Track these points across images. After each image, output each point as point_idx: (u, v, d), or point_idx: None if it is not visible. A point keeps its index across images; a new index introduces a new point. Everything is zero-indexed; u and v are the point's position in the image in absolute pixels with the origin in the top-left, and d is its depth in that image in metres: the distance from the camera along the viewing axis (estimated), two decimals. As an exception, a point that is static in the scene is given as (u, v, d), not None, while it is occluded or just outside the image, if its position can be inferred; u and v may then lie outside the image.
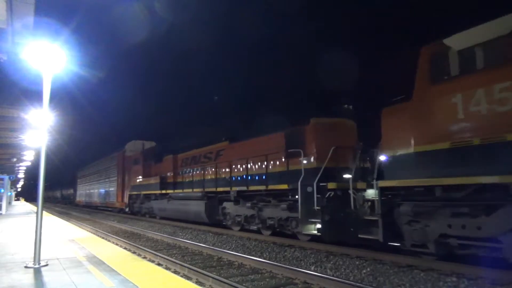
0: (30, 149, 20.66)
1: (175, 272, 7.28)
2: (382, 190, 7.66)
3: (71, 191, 51.80)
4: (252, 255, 8.82)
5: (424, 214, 7.08)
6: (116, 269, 5.78)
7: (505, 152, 5.70)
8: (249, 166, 12.68)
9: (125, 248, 10.24)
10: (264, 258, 8.49)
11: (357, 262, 7.59)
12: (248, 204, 12.17)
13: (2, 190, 26.92)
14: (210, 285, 6.43)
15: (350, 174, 8.98)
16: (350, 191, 8.64)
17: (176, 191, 17.59)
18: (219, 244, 11.09)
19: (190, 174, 16.69)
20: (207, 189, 14.75)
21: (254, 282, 6.65)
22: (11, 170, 30.78)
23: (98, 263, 6.36)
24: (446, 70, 6.81)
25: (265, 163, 11.73)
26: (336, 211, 8.86)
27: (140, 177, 22.37)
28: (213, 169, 14.65)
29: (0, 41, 6.26)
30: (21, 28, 5.96)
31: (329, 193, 9.22)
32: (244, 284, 6.33)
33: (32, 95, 10.34)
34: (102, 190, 32.36)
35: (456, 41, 6.71)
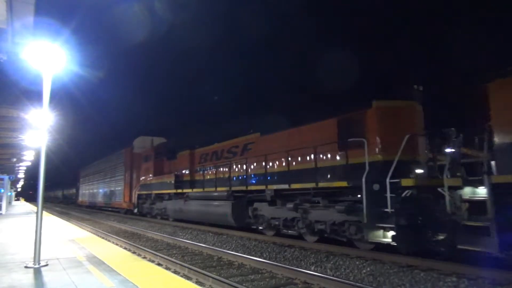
0: (30, 149, 20.66)
1: (175, 272, 7.28)
2: (494, 188, 6.20)
3: (73, 191, 50.28)
4: (252, 255, 8.82)
5: None
6: (116, 269, 5.78)
7: None
8: (289, 160, 10.66)
9: (125, 248, 10.24)
10: (264, 258, 8.49)
11: (357, 262, 7.59)
12: (290, 205, 10.22)
13: (2, 190, 26.92)
14: (210, 285, 6.44)
15: (421, 168, 7.66)
16: (444, 190, 6.90)
17: (194, 190, 15.73)
18: (219, 244, 11.09)
19: (212, 171, 14.82)
20: (234, 188, 13.01)
21: (254, 282, 6.65)
22: (11, 170, 30.78)
23: (98, 263, 6.36)
24: None
25: (313, 156, 9.64)
26: (414, 215, 7.34)
27: (151, 175, 20.52)
28: (242, 165, 12.98)
29: (0, 41, 6.26)
30: (21, 28, 5.96)
31: (406, 192, 7.53)
32: (244, 284, 6.33)
33: (32, 95, 10.34)
34: (107, 190, 30.62)
35: None
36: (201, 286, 5.75)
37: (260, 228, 12.12)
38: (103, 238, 12.24)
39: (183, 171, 17.25)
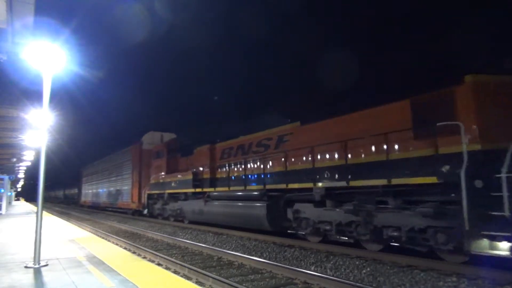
0: (30, 149, 20.67)
1: (175, 272, 7.28)
2: None
3: (75, 190, 48.18)
4: (252, 255, 8.82)
5: None
6: (116, 269, 5.78)
7: None
8: (346, 152, 8.83)
9: (125, 248, 10.25)
10: (264, 258, 8.49)
11: (357, 262, 7.59)
12: (348, 207, 8.51)
13: (2, 190, 26.93)
14: (210, 285, 6.44)
15: None
16: None
17: (217, 189, 14.01)
18: (219, 244, 11.09)
19: (239, 168, 13.14)
20: (269, 186, 11.27)
21: (254, 282, 6.65)
22: (11, 170, 30.79)
23: (98, 263, 6.36)
24: None
25: (384, 146, 7.87)
26: None
27: (164, 173, 18.71)
28: (278, 160, 11.20)
29: (0, 41, 6.26)
30: (21, 28, 5.96)
31: None
32: (244, 284, 6.33)
33: (32, 95, 10.34)
34: (113, 189, 28.56)
35: None
36: (201, 286, 5.75)
37: (302, 233, 10.50)
38: (103, 238, 12.24)
39: (202, 168, 15.39)
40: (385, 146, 7.85)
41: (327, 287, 6.14)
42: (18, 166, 31.91)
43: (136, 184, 23.34)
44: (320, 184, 9.39)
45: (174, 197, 17.69)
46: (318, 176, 9.56)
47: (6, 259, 6.80)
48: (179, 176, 16.95)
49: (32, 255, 6.25)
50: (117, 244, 10.88)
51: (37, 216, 6.35)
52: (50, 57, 6.34)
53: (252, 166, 12.47)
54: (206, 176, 15.02)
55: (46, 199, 71.17)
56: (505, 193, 5.75)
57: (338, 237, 9.42)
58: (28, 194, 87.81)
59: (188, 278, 6.68)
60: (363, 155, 8.58)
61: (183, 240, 11.81)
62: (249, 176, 12.48)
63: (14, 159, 25.01)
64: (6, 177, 27.59)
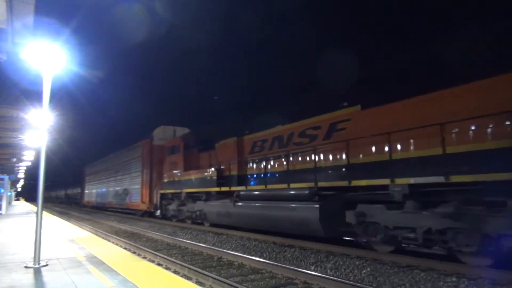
0: (30, 149, 20.68)
1: (175, 272, 7.28)
2: None
3: (78, 190, 45.83)
4: (252, 255, 8.82)
5: None
6: (116, 269, 5.78)
7: None
8: (443, 138, 6.90)
9: (125, 248, 10.24)
10: (264, 258, 8.49)
11: (357, 262, 7.59)
12: (446, 209, 6.76)
13: (2, 190, 26.95)
14: (210, 285, 6.44)
15: None
16: None
17: (250, 187, 12.26)
18: (219, 244, 11.09)
19: (278, 162, 11.35)
20: (322, 184, 9.44)
21: (254, 282, 6.65)
22: (11, 170, 30.82)
23: (98, 263, 6.36)
24: None
25: (502, 128, 6.17)
26: None
27: (180, 170, 16.96)
28: (335, 152, 9.41)
29: (0, 41, 6.27)
30: (21, 28, 5.96)
31: None
32: (244, 284, 6.33)
33: (32, 95, 10.35)
34: (120, 189, 26.44)
35: None
36: (201, 286, 5.75)
37: (365, 240, 8.63)
38: (103, 238, 12.24)
39: (228, 164, 13.63)
40: (509, 129, 5.97)
41: (327, 287, 6.14)
42: (18, 166, 31.93)
43: (146, 182, 21.53)
44: (401, 181, 7.47)
45: (192, 197, 15.97)
46: (396, 170, 7.65)
47: (6, 259, 6.80)
48: (199, 173, 15.27)
49: (32, 255, 6.25)
50: (117, 244, 10.88)
51: (37, 216, 6.35)
52: (50, 57, 6.35)
53: (296, 160, 10.59)
54: (233, 172, 13.17)
55: (46, 199, 71.31)
56: None
57: (425, 248, 7.74)
58: (28, 194, 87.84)
59: (188, 278, 6.68)
60: (467, 142, 6.63)
61: (183, 240, 11.81)
62: (292, 171, 10.58)
63: (14, 159, 25.03)
64: (6, 177, 27.62)
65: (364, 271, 7.02)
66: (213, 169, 14.25)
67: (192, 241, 11.64)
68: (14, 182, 44.23)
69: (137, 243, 11.76)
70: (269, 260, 8.25)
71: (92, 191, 36.63)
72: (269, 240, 10.90)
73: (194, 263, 8.27)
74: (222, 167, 13.99)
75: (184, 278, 6.05)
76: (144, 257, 9.06)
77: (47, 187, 65.04)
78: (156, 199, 19.70)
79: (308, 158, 10.21)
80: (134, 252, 9.91)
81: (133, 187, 23.58)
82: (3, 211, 25.02)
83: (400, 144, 7.82)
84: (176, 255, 9.63)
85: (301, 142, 10.64)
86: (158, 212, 19.54)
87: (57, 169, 63.01)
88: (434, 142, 7.05)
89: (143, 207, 21.67)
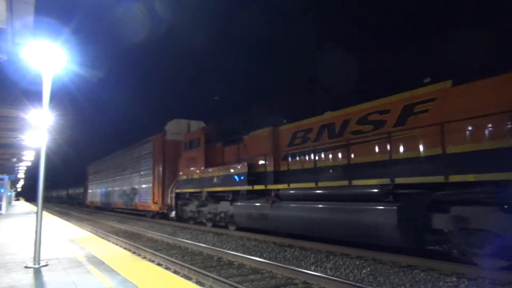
0: (30, 149, 20.71)
1: (175, 272, 7.28)
2: None
3: (80, 190, 43.87)
4: (252, 255, 8.81)
5: None
6: (116, 269, 5.78)
7: None
8: None
9: (125, 248, 10.24)
10: (264, 258, 8.48)
11: (357, 262, 7.59)
12: None
13: (2, 190, 26.97)
14: (210, 285, 6.43)
15: None
16: None
17: (294, 185, 10.24)
18: (219, 244, 11.08)
19: (331, 155, 9.57)
20: (403, 180, 7.49)
21: (254, 282, 6.65)
22: (11, 170, 30.85)
23: (98, 263, 6.36)
24: None
25: None
26: None
27: (200, 167, 15.23)
28: (422, 139, 7.61)
29: (0, 41, 6.27)
30: (21, 28, 5.97)
31: None
32: (244, 284, 6.33)
33: (32, 95, 10.37)
34: (128, 188, 24.66)
35: None
36: (201, 286, 5.75)
37: (463, 252, 6.76)
38: (103, 238, 12.24)
39: (260, 159, 11.88)
40: None
41: (327, 287, 6.14)
42: (18, 166, 31.95)
43: (158, 181, 19.77)
44: None
45: (215, 196, 14.23)
46: None
47: (6, 259, 6.80)
48: (224, 170, 13.49)
49: (32, 255, 6.25)
50: (117, 244, 10.88)
51: (37, 216, 6.35)
52: (50, 57, 6.36)
53: (358, 151, 8.80)
54: (269, 168, 11.40)
55: (47, 200, 71.15)
56: None
57: None
58: (28, 194, 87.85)
59: (188, 278, 6.68)
60: None
61: (183, 240, 11.80)
62: (357, 166, 8.74)
63: (14, 159, 25.06)
64: (6, 177, 27.66)
65: (364, 271, 7.01)
66: (244, 164, 12.40)
67: (192, 241, 11.64)
68: (14, 182, 44.27)
69: (137, 243, 11.76)
70: (269, 260, 8.25)
71: (96, 191, 34.90)
72: (269, 240, 10.90)
73: (194, 263, 8.27)
74: (256, 161, 12.08)
75: (184, 278, 6.05)
76: (144, 257, 9.06)
77: (47, 187, 64.93)
78: (170, 199, 17.90)
79: (377, 149, 8.36)
80: (134, 252, 9.91)
81: (143, 186, 21.88)
82: (3, 211, 25.03)
83: None
84: (176, 255, 9.62)
85: (362, 130, 8.83)
86: (173, 214, 17.89)
87: (58, 169, 62.92)
88: None
89: (155, 208, 19.91)
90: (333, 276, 6.73)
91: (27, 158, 25.21)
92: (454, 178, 6.62)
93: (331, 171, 9.54)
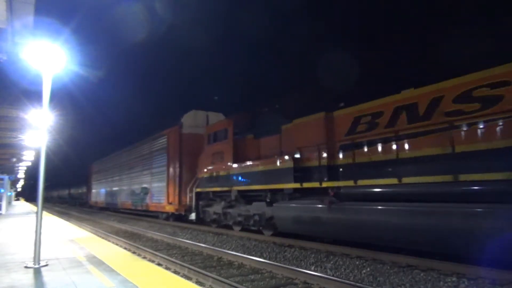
0: (30, 149, 20.71)
1: (175, 272, 7.28)
2: None
3: (83, 189, 41.41)
4: (252, 255, 8.81)
5: None
6: (116, 269, 5.78)
7: None
8: None
9: (125, 248, 10.24)
10: (264, 258, 8.49)
11: (357, 262, 7.59)
12: None
13: (2, 190, 26.98)
14: (210, 285, 6.43)
15: None
16: None
17: (364, 182, 8.30)
18: (219, 244, 11.08)
19: (417, 143, 7.44)
20: None
21: (254, 282, 6.65)
22: (11, 170, 30.86)
23: (98, 263, 6.36)
24: None
25: None
26: None
27: (226, 162, 13.48)
28: None
29: (0, 41, 6.27)
30: (21, 28, 5.98)
31: None
32: (244, 284, 6.33)
33: (32, 95, 10.38)
34: (138, 187, 22.51)
35: None
36: (201, 286, 5.75)
37: None
38: (103, 238, 12.24)
39: (309, 151, 9.95)
40: None
41: (327, 287, 6.14)
42: (18, 166, 31.97)
43: (174, 179, 17.65)
44: None
45: (246, 196, 12.46)
46: None
47: (6, 259, 6.80)
48: (261, 165, 11.54)
49: (32, 255, 6.25)
50: (117, 244, 10.87)
51: (37, 216, 6.35)
52: (50, 57, 6.35)
53: (464, 137, 6.70)
54: (323, 162, 9.42)
55: (48, 200, 70.99)
56: None
57: None
58: (28, 194, 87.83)
59: (188, 278, 6.68)
60: None
61: (183, 240, 11.80)
62: (466, 155, 6.60)
63: (14, 159, 25.08)
64: (6, 177, 27.67)
65: (364, 271, 7.01)
66: (287, 157, 10.42)
67: (192, 241, 11.64)
68: (14, 182, 44.29)
69: (137, 243, 11.76)
70: (269, 260, 8.25)
71: (100, 190, 32.62)
72: (269, 240, 10.89)
73: (194, 263, 8.27)
74: (302, 154, 10.24)
75: (184, 278, 6.05)
76: (144, 257, 9.06)
77: (48, 187, 64.76)
78: (190, 199, 16.01)
79: (499, 133, 6.20)
80: (134, 252, 9.91)
81: (156, 185, 19.74)
82: (3, 211, 25.03)
83: None
84: (176, 255, 9.62)
85: (462, 111, 6.85)
86: (192, 216, 15.73)
87: (59, 168, 62.74)
88: None
89: (170, 209, 17.80)
90: (333, 276, 6.73)
91: (27, 158, 25.23)
92: None
93: (421, 163, 7.37)
